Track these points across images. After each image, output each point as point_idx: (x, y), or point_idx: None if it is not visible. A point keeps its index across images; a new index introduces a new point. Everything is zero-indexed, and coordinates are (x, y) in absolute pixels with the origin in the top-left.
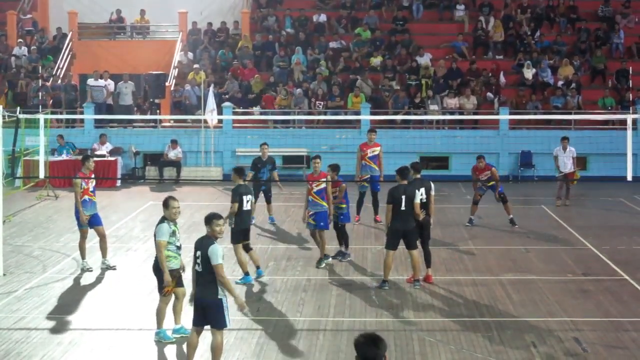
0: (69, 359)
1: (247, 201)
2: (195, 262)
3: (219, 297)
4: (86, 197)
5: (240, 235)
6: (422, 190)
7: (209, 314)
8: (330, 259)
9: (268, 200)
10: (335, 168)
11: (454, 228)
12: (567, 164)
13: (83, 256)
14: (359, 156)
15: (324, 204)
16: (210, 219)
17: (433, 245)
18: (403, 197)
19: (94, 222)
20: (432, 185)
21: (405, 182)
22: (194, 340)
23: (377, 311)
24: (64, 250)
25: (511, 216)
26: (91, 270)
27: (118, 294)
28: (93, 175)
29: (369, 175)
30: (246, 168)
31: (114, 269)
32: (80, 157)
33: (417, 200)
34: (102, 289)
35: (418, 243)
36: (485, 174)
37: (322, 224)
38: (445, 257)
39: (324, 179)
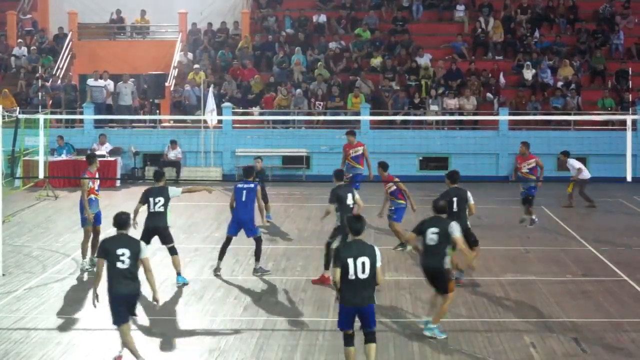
0: (68, 359)
1: (155, 203)
2: (117, 260)
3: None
4: (92, 196)
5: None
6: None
7: (132, 306)
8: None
9: (265, 201)
10: (384, 165)
11: None
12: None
13: (84, 255)
14: (343, 156)
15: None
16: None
17: None
18: (455, 199)
19: (96, 220)
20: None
21: (456, 185)
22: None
23: (376, 311)
24: (64, 250)
25: (533, 217)
26: (89, 270)
27: None
28: (98, 175)
29: (351, 175)
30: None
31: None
32: (81, 157)
33: (472, 202)
34: (102, 289)
35: None
36: (529, 164)
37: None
38: None
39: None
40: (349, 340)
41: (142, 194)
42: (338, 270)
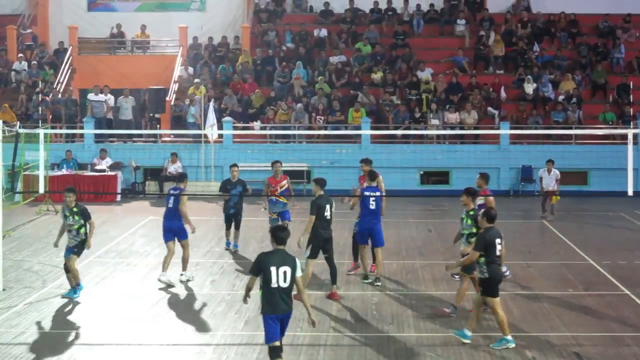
0: None
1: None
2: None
3: None
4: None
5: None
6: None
7: None
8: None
9: (237, 226)
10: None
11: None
12: (549, 185)
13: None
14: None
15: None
16: None
17: (434, 259)
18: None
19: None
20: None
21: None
22: None
23: (377, 325)
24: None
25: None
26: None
27: (118, 308)
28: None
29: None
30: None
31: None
32: (82, 172)
33: None
34: (102, 304)
35: None
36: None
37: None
38: (446, 272)
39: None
40: (276, 354)
41: None
42: (254, 278)
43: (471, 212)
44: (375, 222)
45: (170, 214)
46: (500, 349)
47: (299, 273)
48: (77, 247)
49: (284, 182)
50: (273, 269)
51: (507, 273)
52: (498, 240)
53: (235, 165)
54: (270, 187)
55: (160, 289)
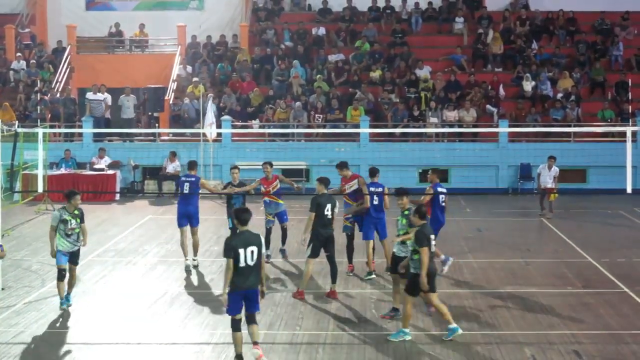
0: None
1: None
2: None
3: None
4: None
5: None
6: None
7: None
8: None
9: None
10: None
11: (454, 241)
12: (547, 182)
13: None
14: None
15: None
16: None
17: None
18: None
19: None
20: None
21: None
22: None
23: (376, 324)
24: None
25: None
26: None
27: (117, 307)
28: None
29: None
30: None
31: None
32: (80, 171)
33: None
34: (101, 302)
35: None
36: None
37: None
38: (441, 273)
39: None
40: (237, 326)
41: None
42: (231, 261)
43: (406, 212)
44: (382, 216)
45: (185, 200)
46: (398, 341)
47: (264, 250)
48: (77, 256)
49: (275, 182)
50: (241, 251)
51: (447, 266)
52: (432, 237)
53: (236, 167)
54: (263, 187)
55: (185, 276)
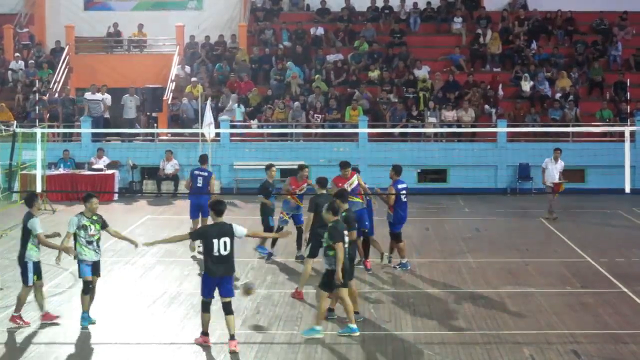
0: None
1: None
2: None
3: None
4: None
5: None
6: None
7: None
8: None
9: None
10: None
11: (452, 241)
12: (554, 176)
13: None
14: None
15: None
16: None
17: (431, 257)
18: None
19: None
20: None
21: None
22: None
23: (374, 324)
24: (62, 264)
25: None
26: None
27: (115, 307)
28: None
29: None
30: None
31: None
32: (79, 171)
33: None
34: (99, 302)
35: None
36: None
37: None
38: (443, 270)
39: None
40: (207, 307)
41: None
42: (190, 241)
43: (343, 214)
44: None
45: (199, 192)
46: (345, 335)
47: (242, 232)
48: (99, 266)
49: (304, 185)
50: (215, 241)
51: (399, 266)
52: (346, 232)
53: (272, 165)
54: (290, 188)
55: (185, 276)
